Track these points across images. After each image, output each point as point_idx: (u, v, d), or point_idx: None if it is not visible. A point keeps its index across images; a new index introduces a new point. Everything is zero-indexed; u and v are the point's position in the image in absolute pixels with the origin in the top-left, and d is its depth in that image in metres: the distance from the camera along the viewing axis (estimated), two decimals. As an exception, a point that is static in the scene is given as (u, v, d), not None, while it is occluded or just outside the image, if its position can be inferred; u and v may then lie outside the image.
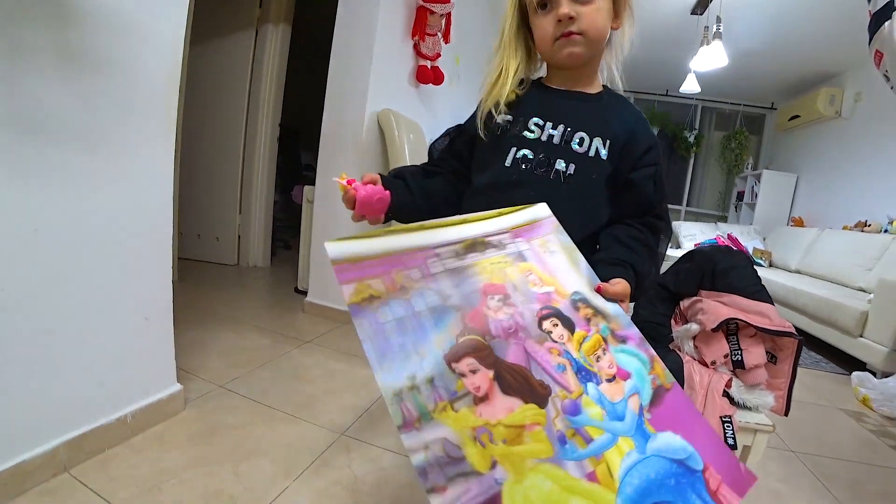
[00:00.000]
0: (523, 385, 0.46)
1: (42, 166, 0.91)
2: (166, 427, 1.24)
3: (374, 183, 0.71)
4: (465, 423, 0.42)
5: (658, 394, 0.53)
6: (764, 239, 4.77)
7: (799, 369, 1.26)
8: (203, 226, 3.22)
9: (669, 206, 5.03)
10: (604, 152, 0.71)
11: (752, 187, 5.39)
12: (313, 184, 2.40)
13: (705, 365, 0.88)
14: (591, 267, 0.62)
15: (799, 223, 4.67)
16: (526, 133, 0.72)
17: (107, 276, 1.08)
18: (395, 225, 0.56)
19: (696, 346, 0.90)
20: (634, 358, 0.55)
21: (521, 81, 0.76)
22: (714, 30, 3.18)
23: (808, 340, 3.11)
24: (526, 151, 0.71)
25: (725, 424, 0.82)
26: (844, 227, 3.93)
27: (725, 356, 0.85)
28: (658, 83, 5.54)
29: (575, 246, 0.63)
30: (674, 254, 3.84)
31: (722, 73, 3.91)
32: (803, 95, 4.90)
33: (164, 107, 1.16)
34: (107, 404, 1.11)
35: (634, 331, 0.58)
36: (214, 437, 1.24)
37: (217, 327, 2.00)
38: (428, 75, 2.54)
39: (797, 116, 4.92)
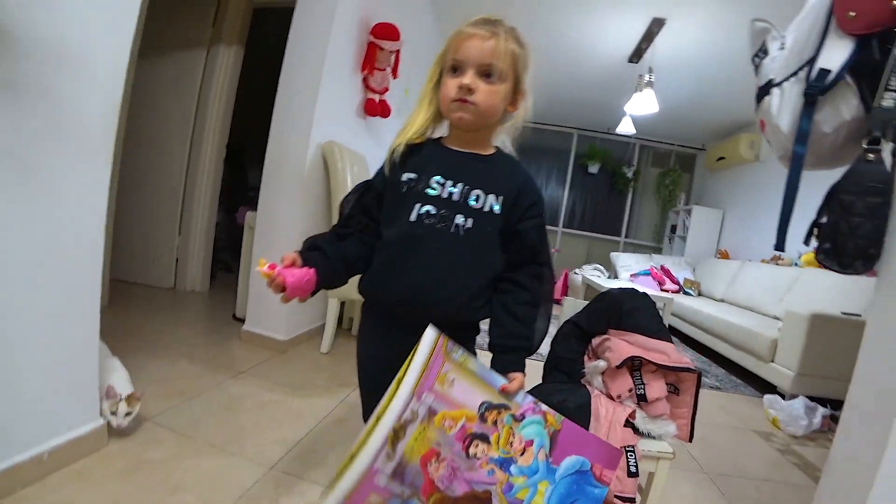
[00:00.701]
0: (476, 502, 0.66)
1: None
2: (87, 464, 1.19)
3: (295, 263, 0.75)
4: None
5: (553, 438, 0.71)
6: (694, 270, 5.12)
7: (720, 393, 1.35)
8: (140, 246, 3.09)
9: (608, 236, 5.37)
10: (497, 207, 0.80)
11: (684, 221, 5.79)
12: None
13: (612, 399, 0.96)
14: (492, 347, 0.80)
15: (724, 255, 5.05)
16: (428, 190, 0.79)
17: (29, 308, 1.04)
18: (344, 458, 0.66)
19: (604, 381, 0.98)
20: (533, 424, 0.71)
21: (430, 141, 0.86)
22: (647, 79, 3.46)
23: (728, 364, 3.35)
24: (429, 207, 0.78)
25: (628, 454, 0.89)
26: (762, 261, 4.30)
27: (630, 390, 0.93)
28: (600, 122, 5.92)
29: (467, 356, 0.72)
30: (611, 284, 4.04)
31: (658, 116, 4.24)
32: (728, 139, 5.36)
33: (100, 135, 1.14)
34: (20, 442, 1.05)
35: (527, 402, 0.73)
36: (137, 473, 1.19)
37: (148, 356, 1.92)
38: (376, 108, 2.61)
39: (723, 158, 5.37)
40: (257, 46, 3.47)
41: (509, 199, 0.82)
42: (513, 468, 0.67)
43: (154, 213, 3.06)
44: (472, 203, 0.79)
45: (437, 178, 0.79)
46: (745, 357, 3.04)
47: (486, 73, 0.76)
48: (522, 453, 0.69)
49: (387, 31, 2.45)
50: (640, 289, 1.13)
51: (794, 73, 1.08)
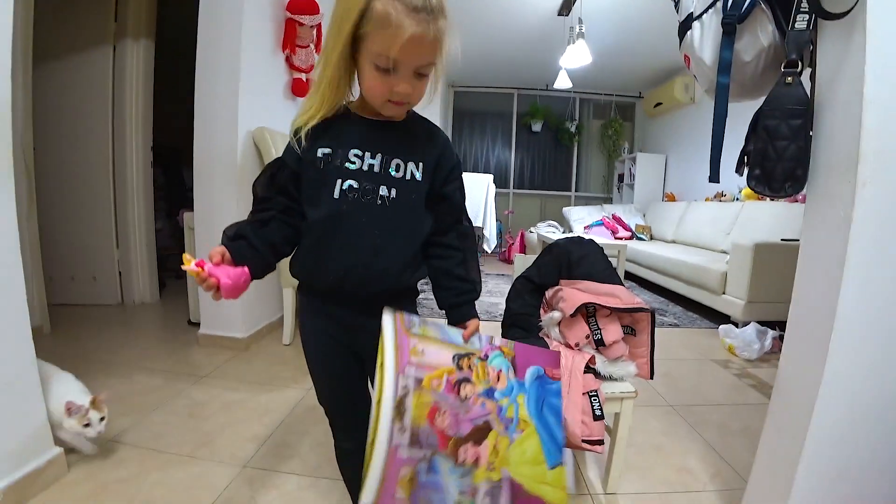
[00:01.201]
0: (480, 433, 0.78)
1: None
2: (48, 496, 1.13)
3: (224, 257, 0.71)
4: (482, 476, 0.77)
5: (512, 361, 0.84)
6: (644, 215, 5.29)
7: (678, 329, 1.37)
8: (76, 266, 2.88)
9: (559, 192, 5.44)
10: (418, 175, 0.78)
11: (630, 169, 5.94)
12: None
13: (570, 347, 0.97)
14: (447, 303, 0.86)
15: (671, 198, 5.23)
16: (347, 164, 0.75)
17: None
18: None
19: (561, 331, 0.99)
20: (496, 357, 0.84)
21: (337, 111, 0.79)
22: (578, 30, 3.45)
23: (684, 302, 3.51)
24: (351, 182, 0.74)
25: (592, 398, 0.91)
26: (707, 199, 4.49)
27: (587, 337, 0.95)
28: (537, 79, 5.92)
29: (425, 325, 0.80)
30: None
31: (593, 68, 4.27)
32: (663, 84, 5.48)
33: None
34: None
35: (485, 343, 0.84)
36: (104, 495, 1.14)
37: (101, 375, 1.82)
38: (304, 87, 2.49)
39: (660, 104, 5.50)
40: (172, 37, 3.23)
41: (430, 165, 0.80)
42: (496, 394, 0.80)
43: (86, 228, 2.85)
44: (394, 173, 0.76)
45: (355, 150, 0.75)
46: (699, 292, 3.18)
47: (421, 73, 0.71)
48: (498, 380, 0.81)
49: (304, 5, 2.31)
50: (595, 238, 1.14)
51: (712, 5, 1.08)
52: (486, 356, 0.83)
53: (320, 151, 0.75)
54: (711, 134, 1.06)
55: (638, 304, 0.96)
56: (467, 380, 0.80)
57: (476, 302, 0.86)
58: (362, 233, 0.74)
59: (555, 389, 0.84)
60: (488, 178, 4.22)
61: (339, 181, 0.74)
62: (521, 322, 1.02)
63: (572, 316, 0.95)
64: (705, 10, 1.10)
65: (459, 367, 0.80)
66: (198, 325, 2.26)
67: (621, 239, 4.64)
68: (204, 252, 2.09)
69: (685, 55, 1.21)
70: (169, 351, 2.15)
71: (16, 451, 1.10)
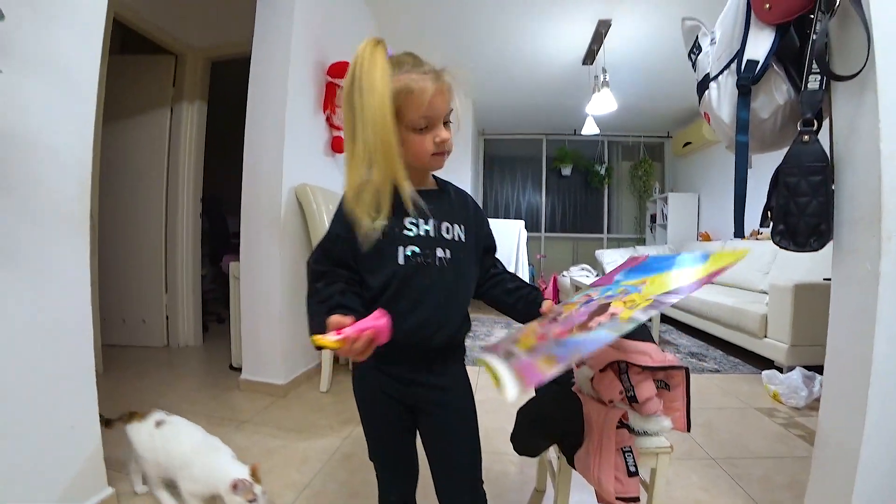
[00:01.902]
0: (601, 308, 0.73)
1: None
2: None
3: (344, 324, 0.69)
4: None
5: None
6: (678, 255, 5.20)
7: (719, 375, 1.32)
8: (128, 309, 3.08)
9: (591, 235, 5.41)
10: (463, 235, 0.88)
11: (662, 209, 5.90)
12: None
13: (604, 404, 0.98)
14: (520, 309, 0.91)
15: (706, 238, 5.14)
16: (406, 232, 0.83)
17: (27, 389, 1.05)
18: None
19: (593, 387, 1.00)
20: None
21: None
22: (602, 79, 3.56)
23: (724, 345, 3.39)
24: (413, 247, 0.82)
25: (626, 454, 0.92)
26: (753, 233, 4.39)
27: (621, 393, 0.96)
28: (565, 124, 6.05)
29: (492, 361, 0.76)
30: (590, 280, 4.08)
31: (620, 111, 4.35)
32: (691, 124, 5.51)
33: (76, 221, 1.17)
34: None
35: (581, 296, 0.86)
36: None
37: (148, 419, 1.92)
38: (342, 144, 2.66)
39: (689, 143, 5.50)
40: (220, 96, 3.52)
41: (470, 225, 0.90)
42: (595, 295, 0.80)
43: (138, 273, 3.06)
44: (446, 235, 0.85)
45: (410, 219, 0.84)
46: (739, 336, 3.08)
47: (447, 122, 0.82)
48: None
49: (343, 70, 2.50)
50: None
51: (727, 66, 1.14)
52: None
53: (379, 224, 0.82)
54: (734, 190, 1.10)
55: (670, 362, 0.97)
56: (559, 313, 0.81)
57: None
58: (427, 292, 0.82)
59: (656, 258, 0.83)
60: (519, 224, 4.28)
61: (401, 248, 0.82)
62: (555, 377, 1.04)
63: (602, 371, 0.97)
64: (721, 72, 1.16)
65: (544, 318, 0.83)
66: (239, 369, 2.35)
67: (655, 280, 4.56)
68: (248, 298, 2.23)
69: (705, 112, 1.26)
70: (212, 395, 2.23)
71: (75, 489, 1.18)
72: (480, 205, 6.50)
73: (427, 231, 0.84)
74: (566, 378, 1.08)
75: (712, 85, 1.19)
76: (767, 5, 1.02)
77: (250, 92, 2.25)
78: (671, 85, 4.57)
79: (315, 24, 2.46)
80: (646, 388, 0.98)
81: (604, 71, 3.61)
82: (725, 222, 5.00)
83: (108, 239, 2.83)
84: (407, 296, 0.81)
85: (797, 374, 2.37)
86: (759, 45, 1.04)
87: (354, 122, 0.79)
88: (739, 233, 1.09)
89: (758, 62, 1.04)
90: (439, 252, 0.83)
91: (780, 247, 1.00)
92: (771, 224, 1.03)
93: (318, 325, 0.72)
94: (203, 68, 3.16)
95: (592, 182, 6.50)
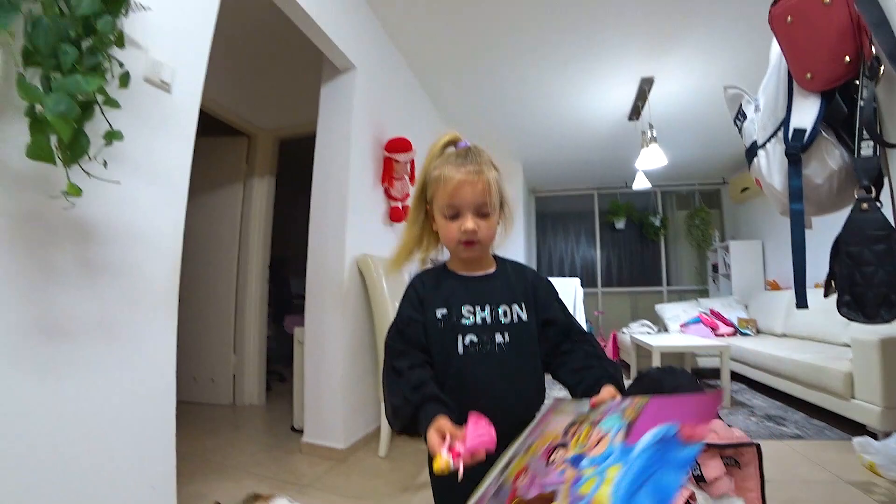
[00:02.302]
0: (542, 502, 0.59)
1: (60, 363, 1.03)
2: None
3: (455, 433, 0.71)
4: None
5: (632, 422, 0.62)
6: (746, 307, 4.90)
7: (802, 442, 1.22)
8: (199, 368, 3.28)
9: (650, 288, 5.23)
10: (524, 315, 0.88)
11: (724, 258, 5.64)
12: (303, 313, 2.48)
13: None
14: (579, 395, 0.80)
15: (775, 286, 4.84)
16: (463, 321, 0.86)
17: (115, 453, 1.16)
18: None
19: (654, 464, 0.97)
20: (610, 419, 0.66)
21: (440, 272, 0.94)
22: (650, 135, 3.59)
23: (806, 407, 3.10)
24: (471, 336, 0.85)
25: (695, 538, 0.87)
26: (816, 286, 4.08)
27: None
28: (616, 177, 6.06)
29: (571, 402, 0.76)
30: (661, 340, 3.91)
31: (671, 162, 4.33)
32: (747, 170, 5.32)
33: (166, 299, 1.32)
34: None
35: (612, 405, 0.70)
36: None
37: (216, 477, 2.01)
38: (400, 214, 2.83)
39: (747, 189, 5.32)
40: (287, 167, 3.84)
41: (529, 300, 0.90)
42: (583, 462, 0.61)
43: (211, 335, 3.28)
44: (503, 319, 0.87)
45: (466, 307, 0.87)
46: (822, 396, 2.82)
47: (482, 213, 0.85)
48: (597, 444, 0.63)
49: (399, 145, 2.72)
50: (693, 338, 1.11)
51: (774, 134, 1.15)
52: (601, 419, 0.69)
53: (438, 313, 0.87)
54: (792, 258, 1.08)
55: (738, 438, 0.93)
56: (564, 445, 0.69)
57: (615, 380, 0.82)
58: (490, 379, 0.84)
59: (682, 458, 0.53)
60: (575, 282, 4.25)
61: (459, 337, 0.85)
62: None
63: (664, 448, 0.95)
64: (768, 140, 1.17)
65: (565, 433, 0.71)
66: (300, 431, 2.42)
67: (722, 336, 4.31)
68: (312, 363, 2.32)
69: (756, 179, 1.27)
70: (274, 457, 2.30)
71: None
72: (535, 263, 6.41)
73: (484, 318, 0.86)
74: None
75: (760, 153, 1.20)
76: (809, 74, 1.04)
77: (315, 169, 2.46)
78: (721, 132, 4.50)
79: (374, 104, 2.69)
80: (713, 467, 0.95)
81: (651, 126, 3.64)
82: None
83: (186, 303, 3.01)
84: (469, 387, 0.83)
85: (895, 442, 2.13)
86: (805, 113, 1.06)
87: (410, 208, 0.92)
88: (802, 303, 1.06)
89: (805, 130, 1.04)
90: (498, 338, 0.85)
91: (848, 318, 0.96)
92: (836, 294, 1.00)
93: (425, 419, 0.73)
94: (273, 147, 3.49)
95: (648, 234, 6.37)
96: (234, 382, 3.29)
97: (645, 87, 3.59)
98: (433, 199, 0.87)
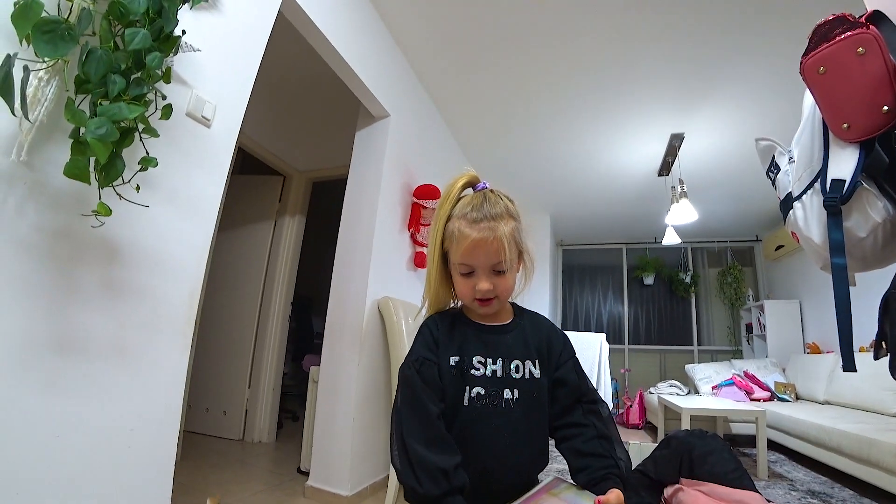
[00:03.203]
0: None
1: (69, 379, 1.03)
2: None
3: None
4: None
5: None
6: (783, 370, 4.63)
7: None
8: (212, 399, 3.25)
9: (680, 347, 5.02)
10: (536, 372, 0.84)
11: (759, 318, 5.40)
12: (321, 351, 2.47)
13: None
14: (579, 480, 0.79)
15: (815, 349, 4.57)
16: (473, 371, 0.83)
17: (111, 475, 1.12)
18: None
19: (684, 536, 0.88)
20: None
21: (456, 317, 0.91)
22: (680, 190, 3.56)
23: (856, 484, 2.84)
24: (478, 389, 0.82)
25: None
26: (861, 349, 3.84)
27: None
28: (645, 232, 5.99)
29: (569, 489, 0.76)
30: (691, 402, 3.72)
31: (702, 217, 4.25)
32: (781, 227, 5.18)
33: (182, 326, 1.32)
34: None
35: None
36: None
37: (218, 518, 1.94)
38: (425, 259, 2.82)
39: (782, 246, 5.15)
40: (317, 208, 3.95)
41: (543, 355, 0.86)
42: None
43: (227, 367, 3.27)
44: (514, 375, 0.83)
45: (478, 357, 0.84)
46: (874, 472, 2.56)
47: (497, 270, 0.83)
48: None
49: (427, 192, 2.77)
50: (726, 401, 1.03)
51: (811, 185, 1.11)
52: None
53: (452, 360, 0.83)
54: (836, 318, 1.00)
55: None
56: None
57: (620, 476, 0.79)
58: (494, 435, 0.80)
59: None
60: (601, 338, 4.13)
61: (467, 388, 0.82)
62: (637, 520, 0.93)
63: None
64: (804, 192, 1.12)
65: None
66: (307, 473, 2.34)
67: (759, 401, 4.06)
68: (324, 403, 2.27)
69: (793, 232, 1.21)
70: (277, 499, 2.22)
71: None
72: (560, 316, 6.29)
73: (495, 371, 0.83)
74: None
75: (796, 205, 1.15)
76: (846, 125, 1.00)
77: (344, 210, 2.51)
78: (754, 189, 4.44)
79: (405, 151, 2.77)
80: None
81: (681, 182, 3.61)
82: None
83: (205, 332, 3.09)
84: (471, 442, 0.79)
85: None
86: (843, 163, 1.01)
87: (427, 259, 0.90)
88: (850, 366, 0.98)
89: (844, 181, 1.00)
90: (507, 393, 0.81)
91: (901, 381, 0.87)
92: (888, 355, 0.92)
93: None
94: (306, 187, 3.61)
95: (678, 291, 6.18)
96: (245, 417, 3.24)
97: (675, 142, 3.59)
98: (448, 251, 0.86)
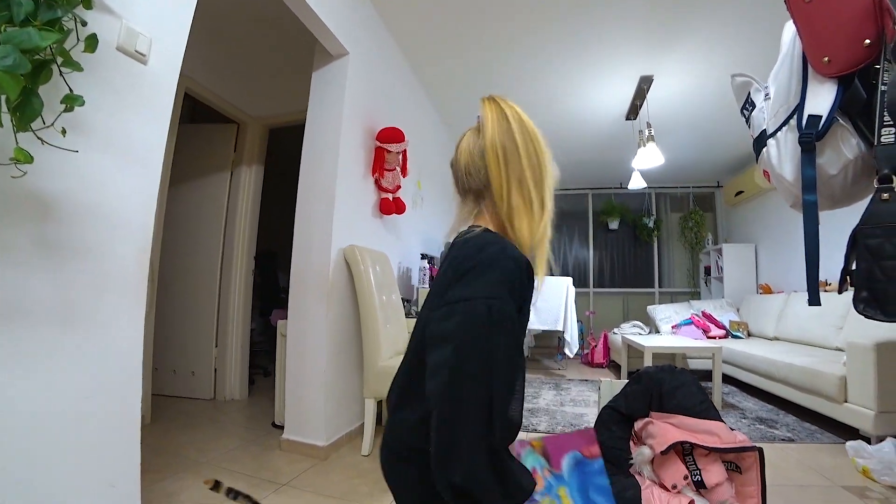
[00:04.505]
0: None
1: (13, 347, 0.95)
2: None
3: None
4: None
5: (545, 455, 0.83)
6: (738, 310, 4.89)
7: (794, 445, 1.18)
8: (179, 361, 3.17)
9: (642, 289, 5.17)
10: None
11: (717, 261, 5.63)
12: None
13: (666, 489, 0.88)
14: None
15: (767, 290, 4.83)
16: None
17: (72, 447, 1.07)
18: None
19: (654, 470, 0.91)
20: (527, 455, 0.82)
21: None
22: (647, 134, 3.54)
23: (799, 411, 3.07)
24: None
25: (697, 549, 0.81)
26: (821, 285, 4.07)
27: (685, 478, 0.86)
28: (611, 178, 6.02)
29: None
30: (652, 341, 3.86)
31: (667, 163, 4.28)
32: (742, 172, 5.32)
33: (134, 284, 1.23)
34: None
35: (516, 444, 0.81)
36: None
37: (189, 475, 1.91)
38: (390, 206, 2.74)
39: (741, 192, 5.30)
40: (278, 158, 3.75)
41: None
42: (536, 496, 0.75)
43: (192, 327, 3.18)
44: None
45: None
46: (815, 400, 2.78)
47: None
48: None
49: (391, 135, 2.61)
50: (685, 339, 1.06)
51: (786, 122, 1.09)
52: (518, 455, 0.80)
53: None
54: (805, 252, 1.01)
55: (741, 442, 0.87)
56: None
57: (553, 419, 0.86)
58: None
59: (597, 469, 0.80)
60: (567, 281, 4.20)
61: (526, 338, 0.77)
62: (609, 455, 0.95)
63: (665, 453, 0.88)
64: (779, 128, 1.11)
65: None
66: (281, 427, 2.34)
67: (714, 338, 4.28)
68: (294, 357, 2.23)
69: (764, 171, 1.20)
70: (253, 454, 2.22)
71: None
72: None
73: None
74: (622, 457, 0.99)
75: (770, 142, 1.14)
76: (826, 58, 0.98)
77: (303, 158, 2.37)
78: (718, 134, 4.48)
79: (366, 92, 2.61)
80: (714, 472, 0.88)
81: (648, 126, 3.59)
82: (786, 274, 4.69)
83: (167, 292, 2.97)
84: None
85: (889, 446, 2.09)
86: (821, 98, 0.99)
87: (541, 172, 0.83)
88: (815, 300, 1.00)
89: (820, 117, 0.98)
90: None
91: (865, 316, 0.90)
92: (852, 289, 0.94)
93: None
94: (262, 135, 3.39)
95: (641, 235, 6.33)
96: (215, 376, 3.19)
97: (644, 85, 3.54)
98: (545, 183, 0.82)
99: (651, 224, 6.27)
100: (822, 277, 3.78)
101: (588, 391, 3.79)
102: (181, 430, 2.52)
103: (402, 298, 2.83)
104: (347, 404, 2.41)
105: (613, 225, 6.36)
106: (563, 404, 3.34)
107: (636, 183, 4.21)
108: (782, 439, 2.59)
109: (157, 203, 1.32)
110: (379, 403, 2.37)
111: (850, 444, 2.21)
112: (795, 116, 1.04)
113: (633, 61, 3.26)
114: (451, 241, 0.79)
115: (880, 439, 2.22)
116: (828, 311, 3.48)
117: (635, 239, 6.43)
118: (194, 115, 3.45)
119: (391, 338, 2.37)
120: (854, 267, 0.93)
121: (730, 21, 2.75)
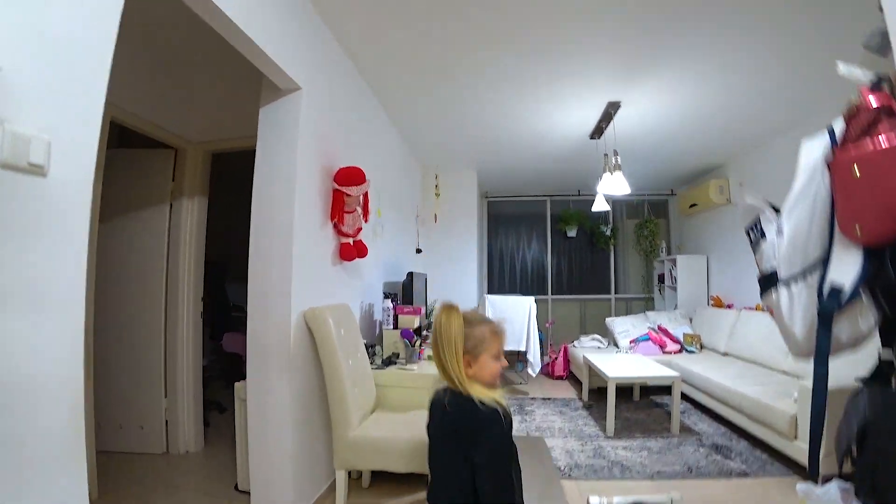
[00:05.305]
0: None
1: None
2: None
3: None
4: None
5: None
6: (691, 320, 5.06)
7: (748, 480, 1.14)
8: (125, 415, 2.87)
9: (599, 296, 5.30)
10: None
11: (671, 270, 5.79)
12: (243, 327, 2.17)
13: None
14: None
15: (718, 303, 5.00)
16: None
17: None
18: None
19: None
20: None
21: None
22: (614, 162, 3.50)
23: (752, 441, 3.18)
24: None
25: None
26: (757, 307, 4.25)
27: None
28: (569, 186, 6.08)
29: None
30: (615, 370, 3.91)
31: (625, 172, 4.30)
32: (696, 186, 5.45)
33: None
34: None
35: None
36: None
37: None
38: (351, 252, 2.55)
39: (695, 204, 5.43)
40: (220, 181, 3.43)
41: None
42: None
43: (136, 377, 2.88)
44: None
45: None
46: (767, 432, 2.90)
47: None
48: None
49: (350, 176, 2.40)
50: (647, 364, 1.09)
51: (802, 276, 1.02)
52: None
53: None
54: (810, 425, 0.97)
55: None
56: None
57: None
58: None
59: None
60: (529, 300, 4.20)
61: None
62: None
63: None
64: (793, 278, 1.04)
65: None
66: (247, 493, 2.15)
67: (670, 353, 4.43)
68: (256, 429, 2.07)
69: (769, 308, 1.15)
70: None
71: None
72: (486, 268, 6.54)
73: None
74: None
75: (782, 290, 1.07)
76: (858, 227, 0.90)
77: (254, 211, 2.11)
78: (673, 149, 4.57)
79: (323, 129, 2.39)
80: None
81: (615, 153, 3.55)
82: (735, 286, 4.87)
83: (105, 341, 2.65)
84: None
85: (835, 489, 2.18)
86: (846, 267, 0.93)
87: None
88: (814, 471, 0.97)
89: (843, 290, 0.92)
90: None
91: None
92: (857, 482, 0.90)
93: None
94: (203, 161, 3.07)
95: (598, 242, 6.43)
96: (166, 428, 2.92)
97: (611, 110, 3.49)
98: (479, 351, 1.21)
99: (608, 232, 6.36)
100: (756, 301, 3.94)
101: (552, 414, 3.83)
102: (131, 496, 2.29)
103: (366, 345, 2.67)
104: (316, 467, 2.28)
105: (571, 232, 6.42)
106: (528, 433, 3.36)
107: (600, 205, 4.21)
108: (738, 473, 2.68)
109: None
110: (349, 474, 2.25)
111: (800, 486, 2.26)
112: (814, 276, 0.98)
113: (601, 87, 3.19)
114: None
115: (826, 479, 2.32)
116: (776, 334, 3.61)
117: (592, 246, 6.52)
118: (124, 138, 3.06)
119: (359, 402, 2.23)
120: (860, 460, 0.89)
121: (701, 55, 2.73)
